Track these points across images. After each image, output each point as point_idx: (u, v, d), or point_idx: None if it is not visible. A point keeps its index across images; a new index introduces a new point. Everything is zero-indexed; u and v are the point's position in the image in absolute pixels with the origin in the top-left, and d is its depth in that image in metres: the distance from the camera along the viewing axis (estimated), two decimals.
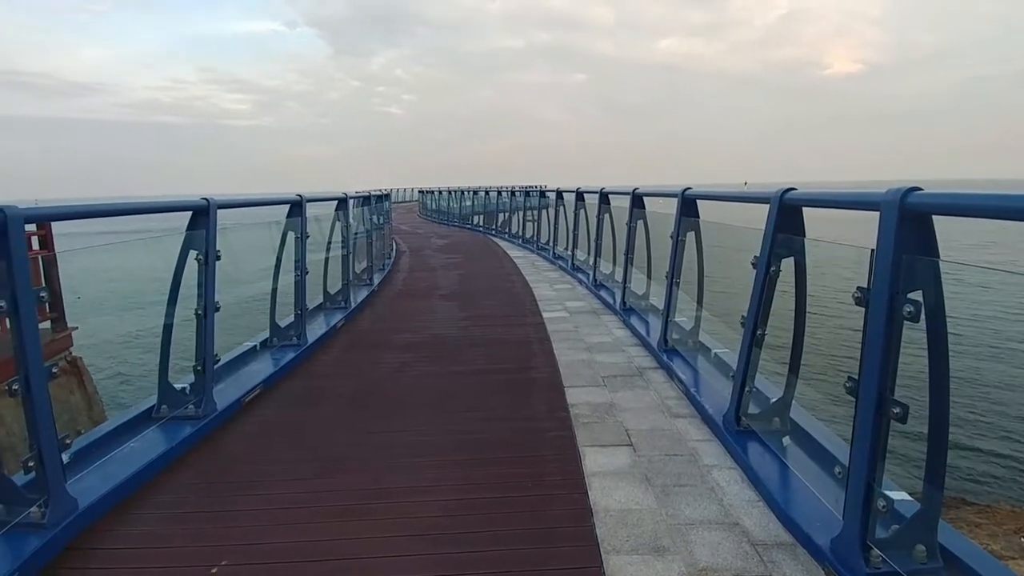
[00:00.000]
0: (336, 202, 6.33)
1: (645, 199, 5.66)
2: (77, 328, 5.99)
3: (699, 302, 4.09)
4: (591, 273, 7.56)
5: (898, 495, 1.93)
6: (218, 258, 3.39)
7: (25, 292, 2.10)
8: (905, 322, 1.72)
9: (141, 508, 2.55)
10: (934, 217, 1.68)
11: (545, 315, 6.12)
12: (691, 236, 4.00)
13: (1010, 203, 1.44)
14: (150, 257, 3.77)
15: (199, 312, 3.32)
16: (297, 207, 4.82)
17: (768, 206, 2.52)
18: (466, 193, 21.89)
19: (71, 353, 5.90)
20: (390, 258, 10.70)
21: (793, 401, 2.72)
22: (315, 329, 5.30)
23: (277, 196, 4.77)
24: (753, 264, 2.67)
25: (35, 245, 5.79)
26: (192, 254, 3.28)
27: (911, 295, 1.69)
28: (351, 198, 6.56)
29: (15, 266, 2.05)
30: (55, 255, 5.80)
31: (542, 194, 12.02)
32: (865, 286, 1.80)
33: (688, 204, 3.94)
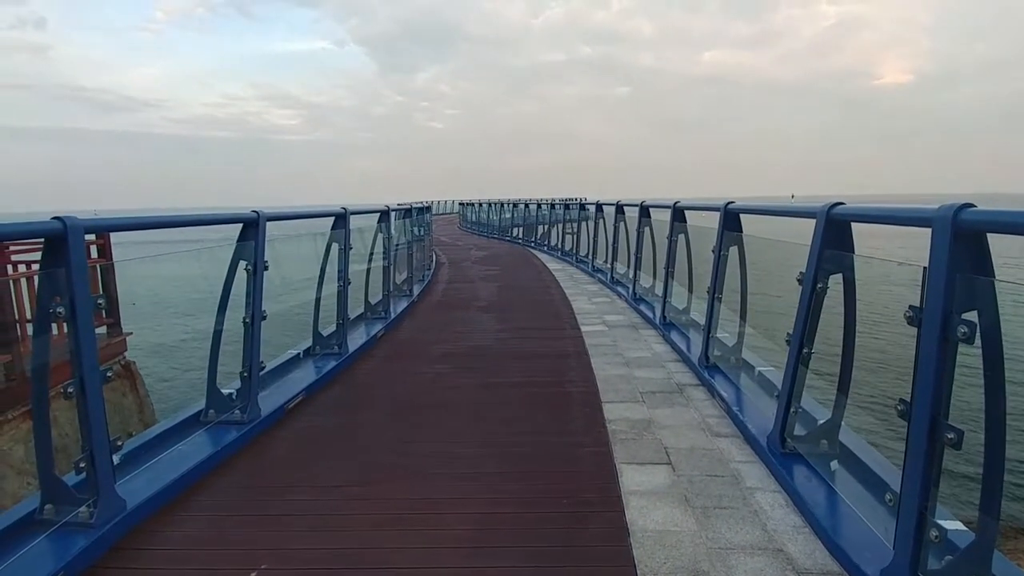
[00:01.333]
0: (379, 214, 6.45)
1: (687, 212, 5.58)
2: (132, 333, 6.24)
3: (742, 318, 4.00)
4: (631, 287, 7.48)
5: (951, 524, 1.83)
6: (266, 268, 3.48)
7: (83, 299, 2.19)
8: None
9: (186, 510, 2.62)
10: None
11: (583, 328, 6.08)
12: (734, 251, 3.91)
13: None
14: (193, 267, 3.89)
15: (247, 320, 3.41)
16: (341, 219, 4.93)
17: (814, 221, 2.45)
18: (505, 205, 22.00)
19: (125, 357, 6.14)
20: (430, 269, 10.82)
21: (843, 423, 2.63)
22: (356, 338, 5.39)
23: (323, 209, 4.90)
24: (799, 280, 2.60)
25: (94, 253, 6.08)
26: (241, 264, 3.38)
27: (966, 315, 1.61)
28: (392, 210, 6.66)
29: (74, 274, 2.15)
30: (113, 263, 6.07)
31: (582, 207, 11.98)
32: (917, 305, 1.73)
33: (731, 218, 3.86)
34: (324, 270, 4.83)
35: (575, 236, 12.64)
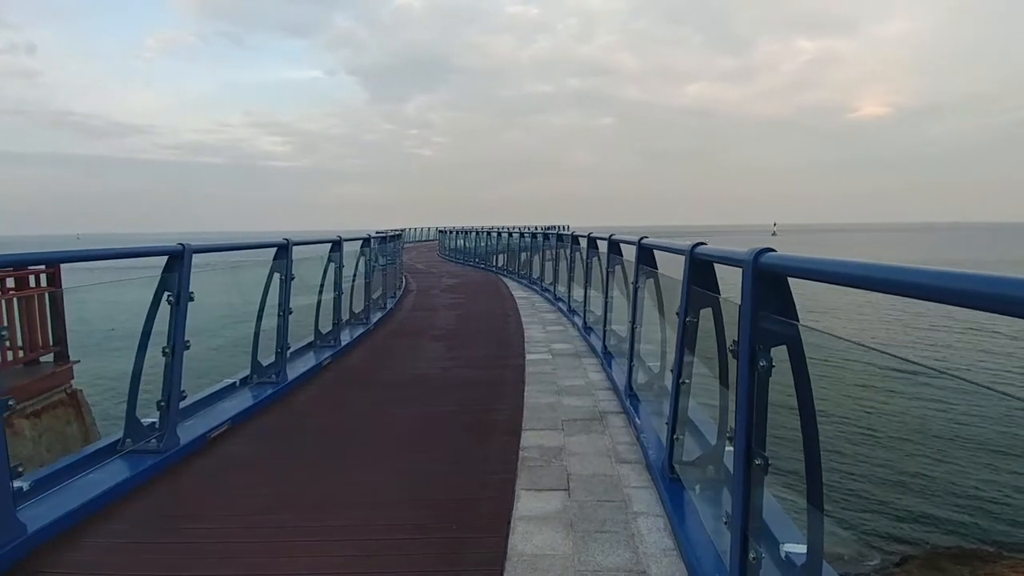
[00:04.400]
0: (330, 244, 6.55)
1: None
2: (79, 362, 6.25)
3: (663, 348, 4.12)
4: (583, 315, 7.60)
5: (793, 547, 1.95)
6: (191, 299, 3.57)
7: None
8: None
9: (91, 536, 2.67)
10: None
11: (528, 357, 6.18)
12: (651, 283, 4.05)
13: (859, 272, 1.44)
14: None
15: (167, 351, 3.48)
16: (283, 250, 5.03)
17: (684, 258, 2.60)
18: (481, 233, 22.18)
19: (72, 386, 6.14)
20: (394, 297, 10.88)
21: (729, 450, 2.74)
22: (299, 367, 5.45)
23: (261, 240, 5.00)
24: (677, 314, 2.74)
25: (44, 282, 6.15)
26: (165, 295, 3.47)
27: (773, 350, 1.75)
28: (345, 240, 6.77)
29: None
30: (62, 292, 6.13)
31: (545, 237, 12.17)
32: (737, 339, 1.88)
33: (645, 252, 4.01)
34: (265, 300, 4.91)
35: (542, 264, 12.78)
